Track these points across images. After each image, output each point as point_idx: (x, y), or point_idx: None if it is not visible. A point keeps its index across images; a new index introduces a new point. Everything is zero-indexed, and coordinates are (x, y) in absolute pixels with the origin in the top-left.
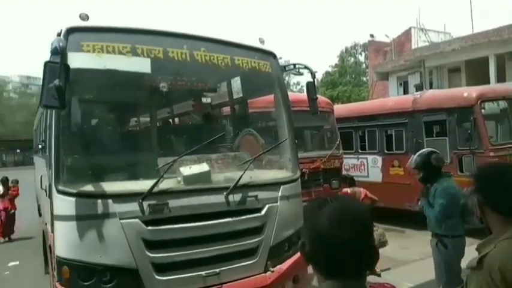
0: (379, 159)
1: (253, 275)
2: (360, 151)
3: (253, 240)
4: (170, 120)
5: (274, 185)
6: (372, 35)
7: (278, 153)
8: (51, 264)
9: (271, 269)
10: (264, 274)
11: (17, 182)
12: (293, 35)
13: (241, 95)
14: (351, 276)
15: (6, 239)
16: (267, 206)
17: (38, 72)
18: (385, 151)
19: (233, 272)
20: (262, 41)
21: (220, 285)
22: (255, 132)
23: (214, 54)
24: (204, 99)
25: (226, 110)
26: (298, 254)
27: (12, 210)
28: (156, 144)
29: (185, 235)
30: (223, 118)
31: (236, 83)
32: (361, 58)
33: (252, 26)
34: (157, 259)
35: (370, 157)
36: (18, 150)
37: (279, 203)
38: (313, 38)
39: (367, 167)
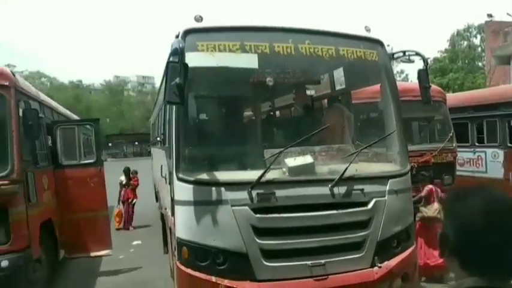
0: (501, 153)
1: (359, 269)
2: (476, 144)
3: (359, 234)
4: (275, 113)
5: (381, 179)
6: (490, 15)
7: (385, 146)
8: (171, 245)
9: (379, 265)
10: (370, 269)
11: (136, 172)
12: (396, 20)
13: (345, 86)
14: (499, 275)
15: (128, 228)
16: (373, 200)
17: (152, 72)
18: (508, 144)
19: (338, 264)
20: (368, 29)
21: (325, 276)
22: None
23: (318, 46)
24: (308, 92)
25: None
26: (408, 252)
27: (134, 200)
28: (262, 136)
29: (292, 224)
30: (329, 110)
31: (340, 73)
32: (476, 41)
33: (351, 10)
34: (266, 245)
35: (489, 151)
36: (136, 143)
37: (386, 197)
38: (418, 22)
39: (486, 162)
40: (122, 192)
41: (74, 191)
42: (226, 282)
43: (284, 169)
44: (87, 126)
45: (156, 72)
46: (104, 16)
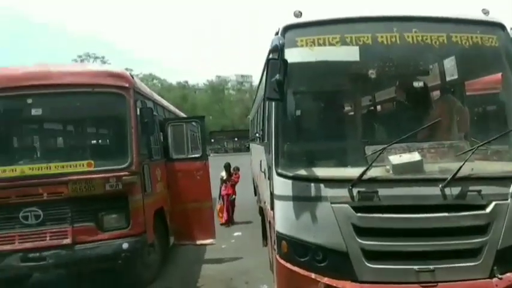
0: None
1: (475, 279)
2: None
3: (476, 240)
4: (377, 107)
5: (503, 180)
6: None
7: (508, 143)
8: (271, 238)
9: (499, 276)
10: (489, 280)
11: (238, 169)
12: None
13: (458, 76)
14: None
15: (229, 224)
16: (493, 203)
17: (250, 71)
18: None
19: (450, 271)
20: (486, 12)
21: (434, 283)
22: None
23: (427, 34)
24: (415, 84)
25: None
26: None
27: (234, 196)
28: (363, 132)
29: (396, 225)
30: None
31: (453, 62)
32: None
33: None
34: (367, 246)
35: None
36: (236, 139)
37: (510, 200)
38: None
39: None
40: (222, 188)
41: (182, 183)
42: (325, 280)
43: (388, 167)
44: (194, 123)
45: (254, 71)
46: (206, 20)
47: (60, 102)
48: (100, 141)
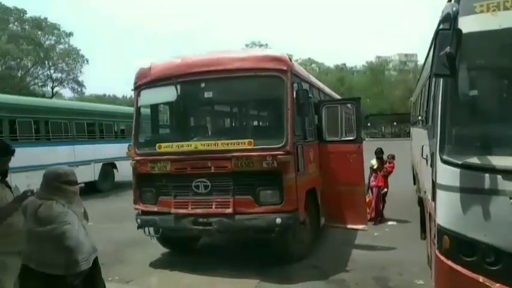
0: None
1: None
2: None
3: None
4: None
5: None
6: None
7: None
8: (430, 231)
9: None
10: None
11: (393, 157)
12: None
13: None
14: None
15: (376, 222)
16: None
17: (415, 49)
18: None
19: None
20: None
21: None
22: None
23: None
24: None
25: None
26: None
27: (385, 189)
28: None
29: None
30: None
31: None
32: None
33: None
34: None
35: None
36: (394, 123)
37: None
38: None
39: None
40: (372, 178)
41: (335, 165)
42: (497, 286)
43: None
44: (349, 105)
45: (419, 49)
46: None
47: (227, 85)
48: (259, 121)
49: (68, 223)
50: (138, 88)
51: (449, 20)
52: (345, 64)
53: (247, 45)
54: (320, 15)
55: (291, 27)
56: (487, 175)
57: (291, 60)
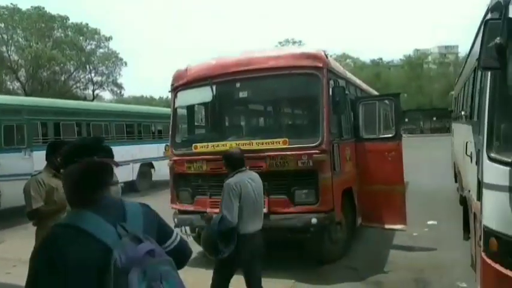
0: None
1: None
2: None
3: None
4: None
5: None
6: None
7: None
8: (475, 233)
9: None
10: None
11: None
12: None
13: None
14: None
15: None
16: None
17: (456, 41)
18: None
19: None
20: None
21: None
22: None
23: None
24: None
25: None
26: None
27: None
28: None
29: None
30: None
31: None
32: None
33: None
34: None
35: None
36: (434, 118)
37: None
38: None
39: None
40: None
41: (373, 164)
42: None
43: None
44: (387, 101)
45: (460, 40)
46: None
47: (262, 84)
48: (295, 120)
49: None
50: (175, 89)
51: (499, 8)
52: (381, 58)
53: (280, 43)
54: (355, 8)
55: (324, 22)
56: None
57: (326, 57)
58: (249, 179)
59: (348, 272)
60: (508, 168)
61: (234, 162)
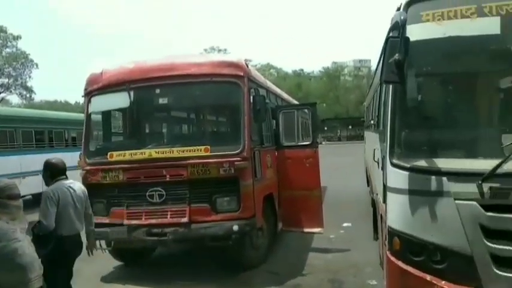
0: None
1: None
2: None
3: None
4: None
5: None
6: None
7: None
8: (382, 233)
9: None
10: None
11: None
12: None
13: None
14: None
15: None
16: None
17: (369, 55)
18: None
19: None
20: None
21: None
22: None
23: None
24: None
25: None
26: None
27: None
28: (499, 119)
29: None
30: None
31: None
32: None
33: None
34: (499, 251)
35: None
36: (350, 127)
37: None
38: None
39: None
40: None
41: (292, 170)
42: (443, 283)
43: None
44: (305, 110)
45: (372, 54)
46: (321, 4)
47: (183, 91)
48: (216, 127)
49: (19, 240)
50: (89, 94)
51: (397, 28)
52: (302, 69)
53: (205, 50)
54: (279, 21)
55: (250, 32)
56: (433, 177)
57: (247, 66)
58: (69, 187)
59: (269, 276)
60: (407, 173)
61: (54, 171)
